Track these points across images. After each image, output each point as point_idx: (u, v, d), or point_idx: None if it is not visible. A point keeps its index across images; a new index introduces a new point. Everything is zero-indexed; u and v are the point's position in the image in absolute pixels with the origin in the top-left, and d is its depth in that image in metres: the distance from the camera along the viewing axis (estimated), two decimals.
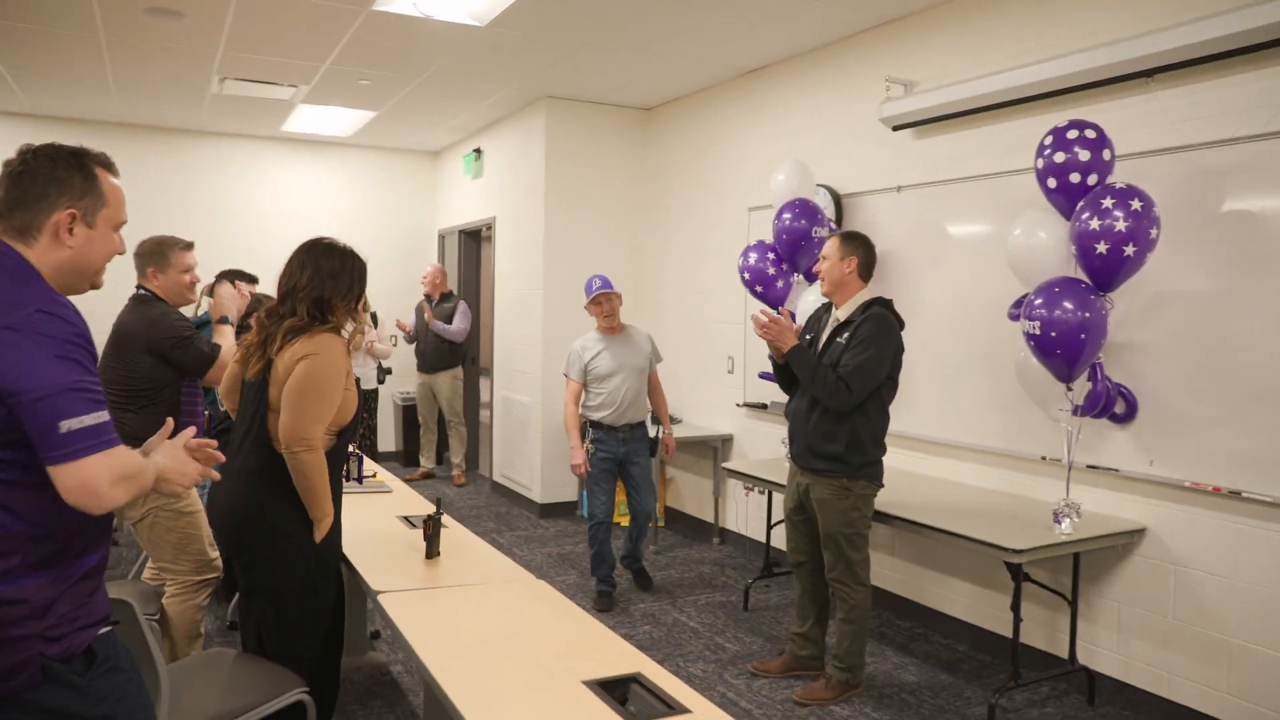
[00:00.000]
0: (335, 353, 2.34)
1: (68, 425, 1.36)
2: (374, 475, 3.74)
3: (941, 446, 4.10)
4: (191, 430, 1.74)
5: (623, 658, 1.99)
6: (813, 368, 3.19)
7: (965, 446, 3.97)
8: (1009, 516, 3.40)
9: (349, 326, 2.45)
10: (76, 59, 5.25)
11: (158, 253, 3.09)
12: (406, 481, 6.93)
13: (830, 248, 3.34)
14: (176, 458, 1.64)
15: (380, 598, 2.33)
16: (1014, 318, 3.36)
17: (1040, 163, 3.06)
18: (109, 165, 1.60)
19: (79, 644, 1.48)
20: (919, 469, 4.19)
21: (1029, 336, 3.00)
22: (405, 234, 8.16)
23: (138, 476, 1.49)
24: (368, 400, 6.62)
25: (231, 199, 7.49)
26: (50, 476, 1.38)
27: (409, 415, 7.64)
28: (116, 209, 1.59)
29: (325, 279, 2.36)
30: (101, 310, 2.93)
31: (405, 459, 7.75)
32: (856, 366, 3.11)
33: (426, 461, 7.34)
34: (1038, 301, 2.97)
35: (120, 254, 1.63)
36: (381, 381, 6.71)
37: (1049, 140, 3.03)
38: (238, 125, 7.14)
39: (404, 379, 7.63)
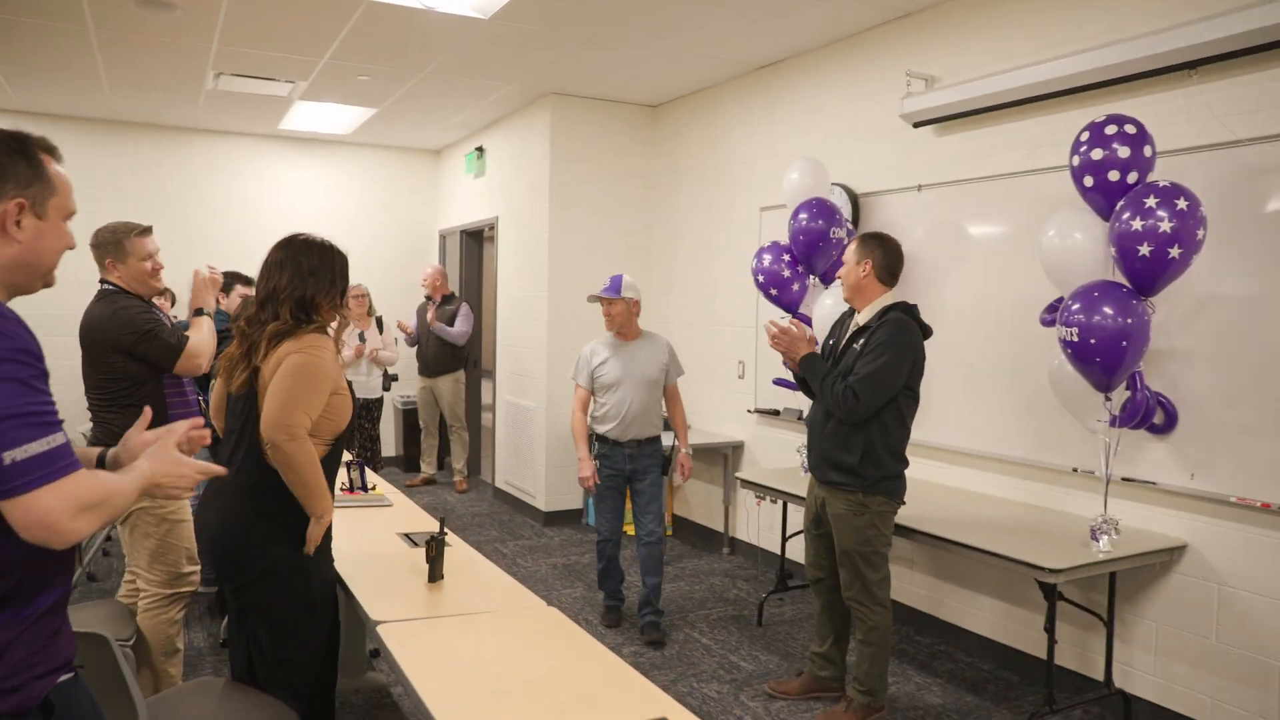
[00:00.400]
0: (325, 350, 2.21)
1: (11, 456, 1.19)
2: (374, 488, 3.57)
3: (963, 456, 3.93)
4: (185, 424, 1.58)
5: (647, 700, 1.83)
6: (822, 376, 3.07)
7: (989, 456, 3.81)
8: (1040, 532, 3.24)
9: (335, 325, 2.31)
10: (66, 53, 5.08)
11: (113, 243, 2.88)
12: (407, 488, 6.87)
13: (848, 251, 3.19)
14: (168, 459, 1.48)
15: (380, 629, 2.16)
16: (1047, 323, 3.19)
17: (1076, 160, 2.90)
18: (53, 150, 1.43)
19: (35, 695, 1.31)
20: (939, 479, 4.03)
21: (1066, 344, 2.84)
22: (406, 234, 8.02)
23: (106, 501, 1.32)
24: (371, 410, 6.37)
25: (230, 198, 7.34)
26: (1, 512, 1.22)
27: (409, 420, 7.48)
28: (66, 197, 1.43)
29: (306, 277, 2.21)
30: (63, 312, 2.77)
31: (406, 464, 7.59)
32: (866, 374, 2.95)
33: (427, 467, 7.18)
34: (1075, 306, 2.81)
35: (72, 248, 1.47)
36: (387, 389, 6.49)
37: (1085, 136, 2.87)
38: (235, 123, 6.99)
39: (404, 383, 7.47)
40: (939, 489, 3.93)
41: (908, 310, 3.08)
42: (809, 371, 3.12)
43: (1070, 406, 3.09)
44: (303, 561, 2.21)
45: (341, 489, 3.52)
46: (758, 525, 5.16)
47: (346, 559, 2.61)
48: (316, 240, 2.28)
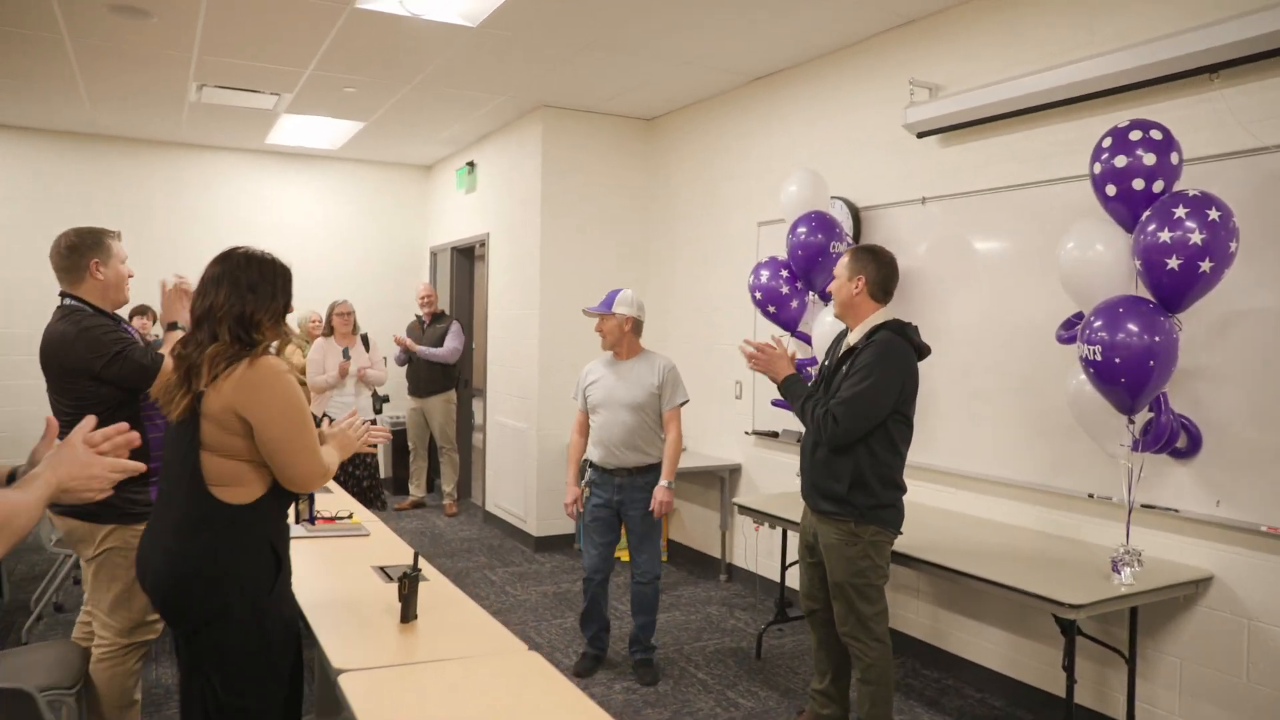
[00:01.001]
0: (287, 377, 2.03)
1: None
2: (350, 516, 3.35)
3: (971, 480, 3.73)
4: (90, 421, 1.41)
5: None
6: (802, 399, 2.89)
7: (998, 481, 3.60)
8: (1055, 562, 3.03)
9: (277, 344, 2.16)
10: (42, 63, 4.90)
11: (98, 244, 2.65)
12: (395, 511, 6.62)
13: (839, 265, 2.99)
14: (72, 460, 1.35)
15: (342, 679, 1.94)
16: (1065, 340, 3.00)
17: (1097, 167, 2.72)
18: None
19: None
20: (945, 504, 3.83)
21: (1087, 363, 2.64)
22: (397, 251, 7.85)
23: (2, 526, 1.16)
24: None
25: (218, 214, 7.15)
26: None
27: (398, 441, 7.24)
28: None
29: (245, 293, 2.04)
30: (28, 331, 2.55)
31: (395, 487, 7.35)
32: (847, 398, 2.75)
33: (416, 490, 6.95)
34: (1097, 323, 2.61)
35: None
36: (379, 411, 6.21)
37: (1108, 142, 2.69)
38: (222, 137, 6.81)
39: (394, 403, 7.24)
40: (945, 515, 3.73)
41: (900, 329, 2.86)
42: (789, 394, 2.95)
43: (1089, 429, 2.89)
44: (257, 601, 2.00)
45: (324, 517, 3.29)
46: (756, 552, 4.94)
47: (313, 597, 2.40)
48: (257, 253, 2.12)
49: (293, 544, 2.59)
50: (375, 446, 2.47)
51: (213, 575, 1.97)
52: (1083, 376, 2.76)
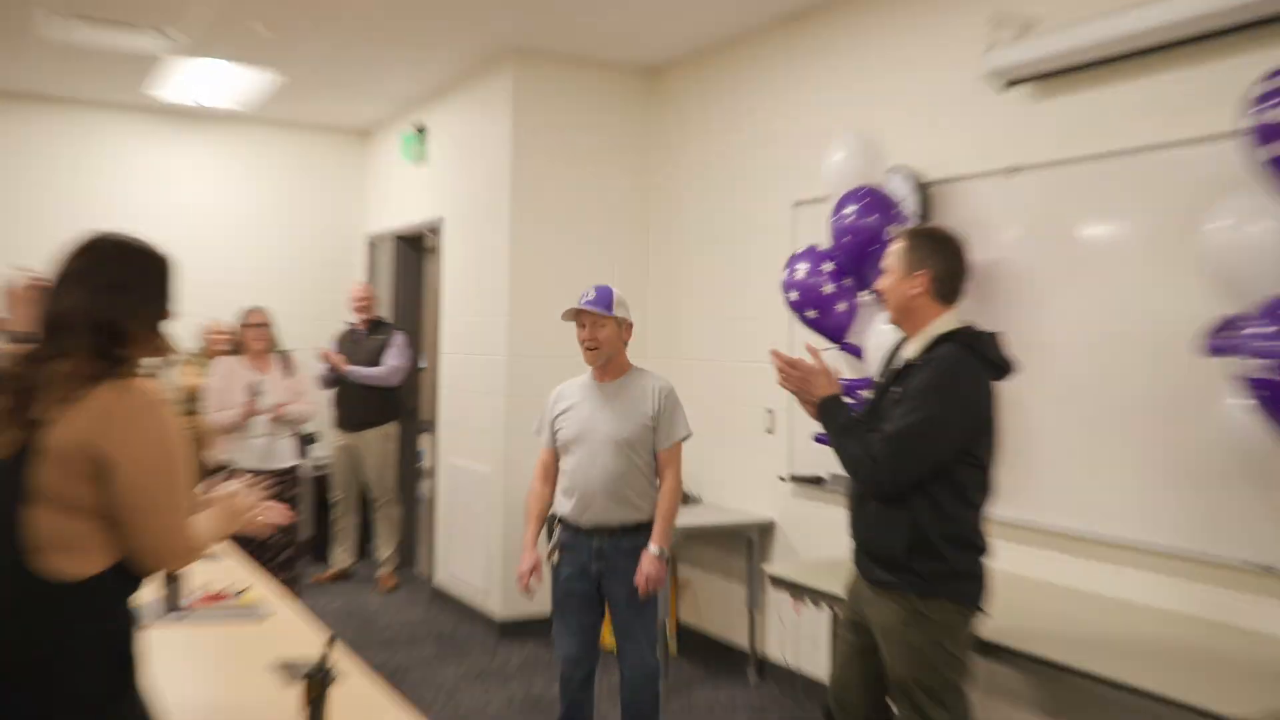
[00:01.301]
0: (155, 403, 1.96)
1: None
2: (242, 592, 3.22)
3: (1085, 543, 3.64)
4: None
5: None
6: (840, 429, 2.82)
7: (1127, 545, 3.50)
8: (1214, 660, 2.92)
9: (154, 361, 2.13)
10: None
11: None
12: (312, 585, 6.48)
13: (891, 256, 2.92)
14: None
15: None
16: (1218, 350, 2.93)
17: (1253, 121, 2.64)
18: None
19: None
20: (1051, 575, 3.73)
21: (1253, 384, 2.56)
22: (324, 239, 7.91)
23: None
24: (285, 489, 5.38)
25: (93, 190, 7.09)
26: None
27: (319, 490, 7.13)
28: None
29: (110, 294, 1.98)
30: None
31: (313, 552, 7.17)
32: (894, 432, 2.69)
33: (343, 556, 6.90)
34: (1268, 330, 2.53)
35: None
36: (304, 455, 6.03)
37: (1267, 88, 2.62)
38: (90, 89, 6.82)
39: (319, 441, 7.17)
40: (1052, 590, 3.65)
41: (970, 341, 2.79)
42: (826, 421, 2.85)
43: (1258, 475, 2.84)
44: (95, 714, 1.91)
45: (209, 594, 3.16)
46: (796, 640, 4.85)
47: (184, 707, 2.27)
48: (128, 242, 2.07)
49: (159, 631, 2.47)
50: (278, 525, 2.41)
51: (33, 679, 1.85)
52: (1245, 401, 2.67)
